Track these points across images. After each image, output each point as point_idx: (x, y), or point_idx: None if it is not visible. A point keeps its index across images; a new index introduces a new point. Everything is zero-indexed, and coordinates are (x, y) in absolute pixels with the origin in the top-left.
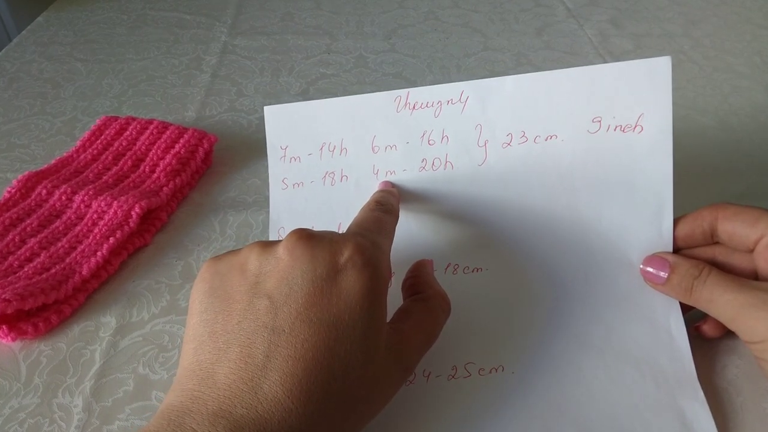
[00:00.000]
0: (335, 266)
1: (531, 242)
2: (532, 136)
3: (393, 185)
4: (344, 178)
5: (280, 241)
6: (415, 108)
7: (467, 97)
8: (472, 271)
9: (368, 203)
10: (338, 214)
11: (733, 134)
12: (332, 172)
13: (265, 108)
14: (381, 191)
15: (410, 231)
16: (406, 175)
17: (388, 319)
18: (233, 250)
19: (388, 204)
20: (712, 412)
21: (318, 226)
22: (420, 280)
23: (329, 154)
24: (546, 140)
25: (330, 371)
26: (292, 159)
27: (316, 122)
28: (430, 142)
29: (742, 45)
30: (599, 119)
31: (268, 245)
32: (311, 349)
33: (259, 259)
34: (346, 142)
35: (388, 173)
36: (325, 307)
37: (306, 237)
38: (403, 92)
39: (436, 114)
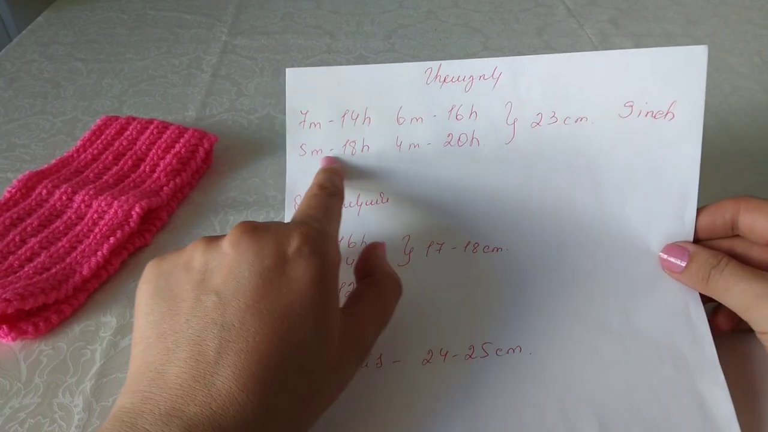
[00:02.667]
0: (283, 257)
1: (553, 224)
2: (562, 117)
3: (336, 160)
4: (365, 147)
5: (224, 236)
6: (446, 81)
7: (500, 73)
8: (492, 251)
9: (311, 188)
10: (357, 185)
11: (733, 134)
12: (353, 141)
13: (287, 70)
14: (323, 172)
15: (431, 206)
16: (431, 149)
17: (340, 305)
18: (176, 250)
19: (332, 186)
20: None
21: None
22: (370, 263)
23: (351, 123)
24: (576, 122)
25: (285, 361)
26: (312, 125)
27: (339, 89)
28: (458, 117)
29: (742, 45)
30: (631, 104)
31: (212, 241)
32: (263, 341)
33: (204, 256)
34: (371, 111)
35: (412, 146)
36: (275, 299)
37: (251, 230)
38: (434, 64)
39: (467, 89)
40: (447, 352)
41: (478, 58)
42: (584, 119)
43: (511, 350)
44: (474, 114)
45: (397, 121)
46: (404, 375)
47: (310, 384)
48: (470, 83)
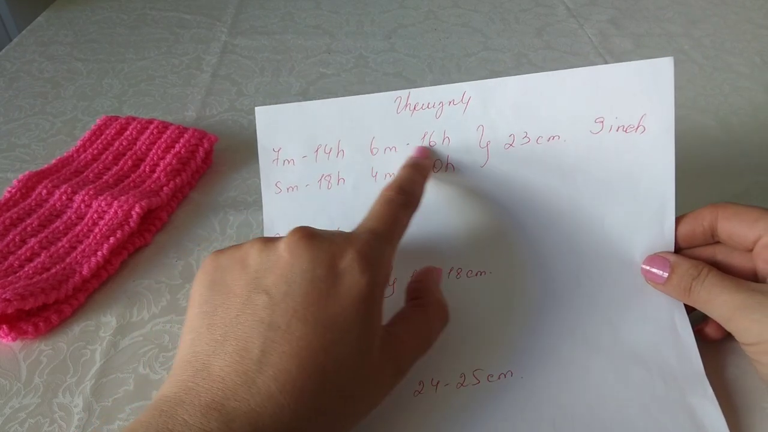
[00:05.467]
0: (335, 269)
1: (534, 244)
2: (534, 136)
3: (428, 153)
4: (341, 180)
5: (282, 237)
6: (416, 109)
7: (469, 97)
8: (476, 275)
9: (390, 187)
10: (335, 218)
11: (733, 134)
12: (328, 175)
13: (256, 108)
14: (409, 168)
15: (411, 235)
16: None
17: (385, 321)
18: (236, 245)
19: (410, 193)
20: None
21: None
22: (423, 286)
23: (325, 157)
24: (548, 141)
25: (323, 371)
26: (286, 162)
27: (310, 123)
28: (431, 144)
29: (742, 45)
30: (602, 120)
31: (270, 241)
32: (306, 347)
33: (260, 255)
34: (343, 144)
35: (387, 175)
36: (322, 308)
37: (308, 236)
38: (403, 93)
39: (438, 115)
40: (438, 381)
41: (477, 56)
42: (557, 137)
43: (503, 375)
44: (447, 140)
45: (371, 151)
46: (396, 407)
47: (346, 396)
48: (440, 109)
